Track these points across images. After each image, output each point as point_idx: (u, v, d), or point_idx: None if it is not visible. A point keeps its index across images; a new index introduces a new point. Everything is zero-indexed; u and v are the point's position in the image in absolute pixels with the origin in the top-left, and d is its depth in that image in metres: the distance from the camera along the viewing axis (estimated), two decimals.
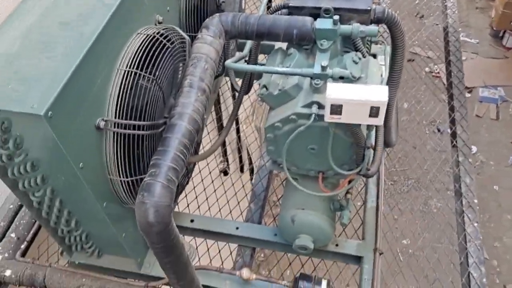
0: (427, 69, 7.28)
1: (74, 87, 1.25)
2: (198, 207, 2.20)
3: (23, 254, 1.98)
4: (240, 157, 4.18)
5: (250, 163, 4.44)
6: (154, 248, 1.28)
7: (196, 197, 2.23)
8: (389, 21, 1.61)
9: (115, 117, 1.40)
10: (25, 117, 1.17)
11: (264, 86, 1.59)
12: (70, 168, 1.32)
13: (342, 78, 1.46)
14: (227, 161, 3.99)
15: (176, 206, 2.08)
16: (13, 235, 1.99)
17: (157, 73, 1.49)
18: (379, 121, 1.37)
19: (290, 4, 1.64)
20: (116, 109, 1.41)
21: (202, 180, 2.29)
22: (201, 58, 1.50)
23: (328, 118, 1.40)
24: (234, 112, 1.95)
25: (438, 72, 7.22)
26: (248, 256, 1.93)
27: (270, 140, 1.63)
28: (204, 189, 2.26)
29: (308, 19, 1.56)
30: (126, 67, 1.43)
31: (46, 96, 1.17)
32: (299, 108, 1.51)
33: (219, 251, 2.05)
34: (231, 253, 2.04)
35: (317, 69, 1.46)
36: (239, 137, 4.10)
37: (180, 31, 1.69)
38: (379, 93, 1.33)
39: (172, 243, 1.28)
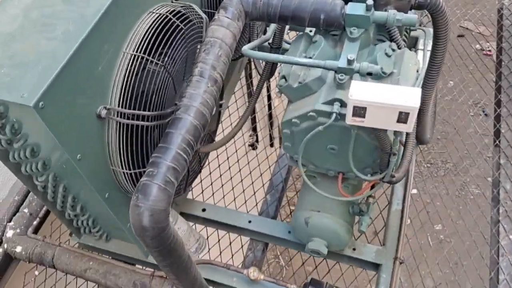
0: (477, 46, 6.79)
1: (73, 72, 1.15)
2: (213, 194, 2.12)
3: (36, 231, 1.97)
4: (271, 135, 4.05)
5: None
6: (151, 252, 1.20)
7: (212, 183, 2.14)
8: (432, 8, 1.41)
9: (119, 105, 1.31)
10: (16, 106, 1.09)
11: (283, 77, 1.45)
12: (67, 159, 1.24)
13: (370, 74, 1.30)
14: (256, 136, 3.87)
15: (190, 192, 2.00)
16: (26, 210, 1.98)
17: (166, 58, 1.37)
18: (409, 127, 1.21)
19: None
20: (120, 97, 1.30)
21: (219, 165, 2.19)
22: (215, 44, 1.36)
23: (350, 120, 1.24)
24: (253, 100, 1.81)
25: (490, 50, 6.73)
26: (259, 252, 1.84)
27: (287, 136, 1.49)
28: (220, 176, 2.16)
29: (339, 2, 1.38)
30: (133, 51, 1.32)
31: (39, 84, 1.08)
32: (319, 104, 1.35)
33: (230, 244, 1.97)
34: (242, 246, 1.96)
35: (342, 63, 1.30)
36: (270, 114, 3.96)
37: (198, 10, 1.55)
38: (410, 97, 1.16)
39: (170, 247, 1.19)
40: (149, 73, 1.34)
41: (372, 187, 1.55)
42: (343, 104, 1.32)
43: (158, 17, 1.39)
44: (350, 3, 1.39)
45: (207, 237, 1.94)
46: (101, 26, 1.22)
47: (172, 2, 1.56)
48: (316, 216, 1.59)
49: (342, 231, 1.58)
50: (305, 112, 1.38)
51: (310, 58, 1.40)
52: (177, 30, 1.40)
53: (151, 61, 1.34)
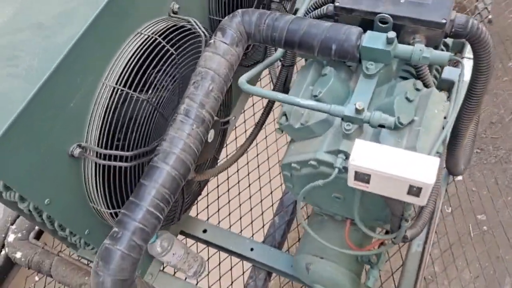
0: None
1: (35, 115, 1.02)
2: (218, 210, 1.99)
3: (39, 235, 1.93)
4: None
5: None
6: None
7: (218, 197, 2.01)
8: (472, 38, 1.16)
9: (97, 143, 1.17)
10: None
11: (284, 114, 1.25)
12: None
13: (383, 127, 1.08)
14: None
15: (194, 206, 1.89)
16: None
17: (150, 91, 1.21)
18: (422, 201, 1.00)
19: (337, 4, 1.23)
20: (97, 134, 1.17)
21: (227, 178, 2.05)
22: (207, 76, 1.18)
23: (352, 183, 1.05)
24: (263, 117, 1.63)
25: None
26: (261, 281, 1.72)
27: (287, 178, 1.32)
28: (228, 190, 2.02)
29: (355, 31, 1.15)
30: (114, 82, 1.17)
31: None
32: (321, 153, 1.16)
33: (231, 268, 1.85)
34: (243, 273, 1.84)
35: (349, 110, 1.09)
36: None
37: (197, 25, 1.37)
38: (424, 170, 0.95)
39: None
40: (131, 105, 1.19)
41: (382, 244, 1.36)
42: (348, 157, 1.12)
43: (145, 40, 1.23)
44: (368, 33, 1.16)
45: (208, 259, 1.84)
46: (73, 58, 1.07)
47: (169, 15, 1.38)
48: (319, 263, 1.43)
49: (346, 282, 1.42)
50: (306, 160, 1.20)
51: (316, 96, 1.19)
52: (166, 57, 1.24)
53: (136, 92, 1.19)
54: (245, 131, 2.10)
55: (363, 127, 1.14)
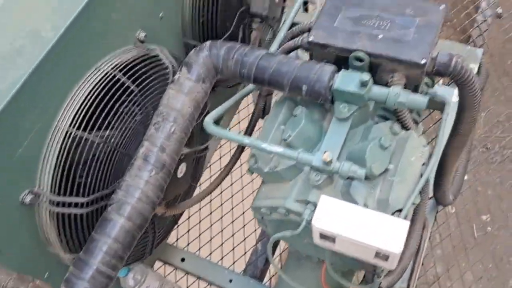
0: None
1: None
2: (199, 235, 1.92)
3: None
4: None
5: None
6: None
7: (200, 221, 1.94)
8: (455, 77, 1.07)
9: (50, 188, 1.10)
10: None
11: (253, 156, 1.17)
12: None
13: (352, 179, 1.00)
14: None
15: (175, 230, 1.82)
16: None
17: (108, 133, 1.14)
18: (390, 266, 0.92)
19: (310, 39, 1.13)
20: (49, 178, 1.10)
21: (210, 200, 1.98)
22: (169, 116, 1.11)
23: (318, 242, 0.97)
24: (237, 153, 1.53)
25: None
26: None
27: (259, 220, 1.24)
28: (211, 213, 1.95)
29: (328, 70, 1.06)
30: (68, 125, 1.09)
31: None
32: (290, 201, 1.08)
33: None
34: None
35: (317, 160, 1.00)
36: None
37: (165, 56, 1.29)
38: (392, 236, 0.87)
39: None
40: (86, 148, 1.11)
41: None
42: None
43: (104, 75, 1.15)
44: (342, 73, 1.07)
45: (188, 287, 1.78)
46: (20, 101, 0.99)
47: (135, 45, 1.29)
48: None
49: None
50: (275, 206, 1.12)
51: (286, 139, 1.11)
52: (125, 94, 1.16)
53: (91, 134, 1.11)
54: (230, 150, 2.02)
55: (334, 176, 1.05)
